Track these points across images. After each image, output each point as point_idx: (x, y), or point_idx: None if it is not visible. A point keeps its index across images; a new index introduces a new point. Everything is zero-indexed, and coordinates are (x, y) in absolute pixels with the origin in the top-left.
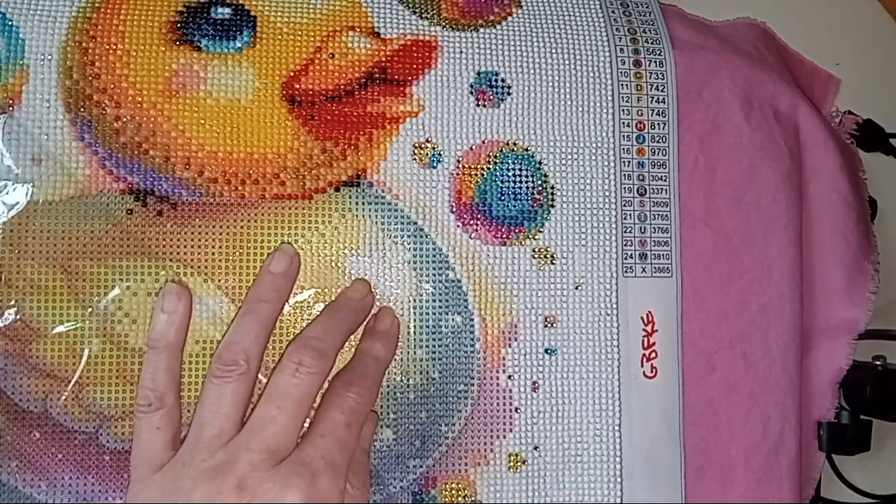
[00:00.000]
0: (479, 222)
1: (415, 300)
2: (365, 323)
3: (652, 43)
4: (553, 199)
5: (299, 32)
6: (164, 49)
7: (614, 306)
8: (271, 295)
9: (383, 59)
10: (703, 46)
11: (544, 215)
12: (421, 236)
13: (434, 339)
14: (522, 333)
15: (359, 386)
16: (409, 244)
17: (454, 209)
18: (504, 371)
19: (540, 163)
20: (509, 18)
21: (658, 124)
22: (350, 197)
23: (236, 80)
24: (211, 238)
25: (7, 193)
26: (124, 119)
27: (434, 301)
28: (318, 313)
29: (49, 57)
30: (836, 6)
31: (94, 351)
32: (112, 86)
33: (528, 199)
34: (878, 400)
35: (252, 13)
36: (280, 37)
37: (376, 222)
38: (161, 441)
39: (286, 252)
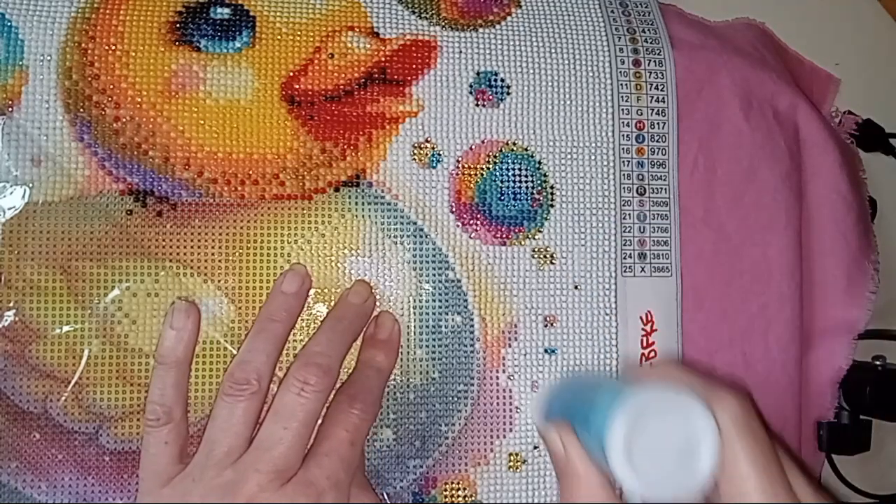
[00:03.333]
0: (478, 222)
1: (415, 300)
2: (365, 328)
3: (651, 43)
4: (552, 199)
5: (299, 33)
6: (163, 49)
7: (613, 306)
8: (282, 314)
9: (383, 59)
10: (702, 46)
11: (544, 215)
12: (421, 236)
13: (434, 339)
14: (522, 333)
15: (362, 402)
16: (409, 244)
17: (454, 209)
18: (504, 371)
19: (539, 163)
20: (508, 18)
21: (657, 124)
22: (350, 197)
23: (236, 80)
24: (211, 238)
25: (6, 195)
26: (124, 120)
27: (434, 301)
28: (317, 313)
29: (48, 58)
30: (836, 6)
31: (94, 352)
32: (111, 86)
33: (527, 199)
34: (878, 400)
35: (251, 13)
36: (279, 37)
37: (376, 222)
38: (169, 455)
39: (298, 272)
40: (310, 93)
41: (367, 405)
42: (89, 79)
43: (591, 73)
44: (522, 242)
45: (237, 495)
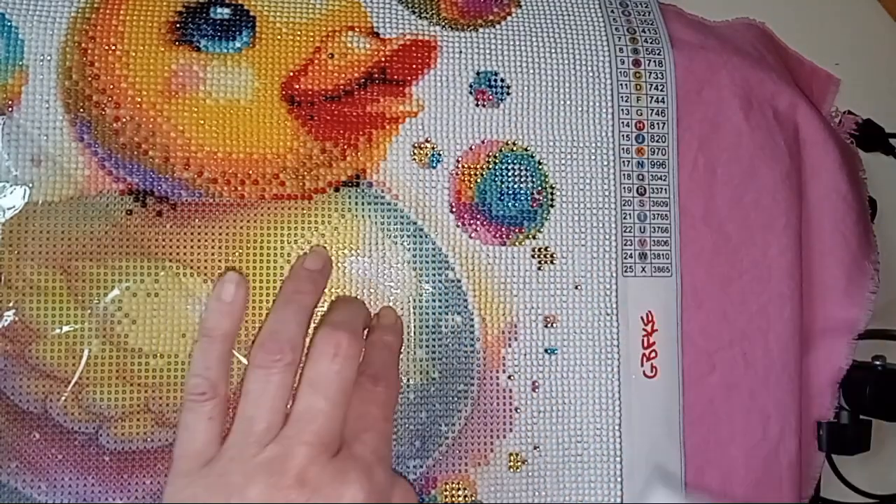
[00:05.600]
0: (478, 222)
1: (415, 300)
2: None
3: (651, 43)
4: (552, 199)
5: (298, 32)
6: (163, 49)
7: (614, 306)
8: (309, 287)
9: (383, 59)
10: (702, 46)
11: (544, 215)
12: (420, 236)
13: (434, 339)
14: (522, 333)
15: (385, 379)
16: (408, 244)
17: (454, 209)
18: (504, 371)
19: (539, 162)
20: (508, 18)
21: (657, 124)
22: (350, 197)
23: (236, 80)
24: (211, 238)
25: (6, 195)
26: (124, 119)
27: (434, 301)
28: (317, 313)
29: (48, 57)
30: (836, 6)
31: (94, 352)
32: (111, 86)
33: (527, 199)
34: (878, 400)
35: (251, 13)
36: (279, 37)
37: (376, 222)
38: (211, 433)
39: (320, 252)
40: (310, 93)
41: (391, 382)
42: (89, 79)
43: (591, 73)
44: (522, 242)
45: (285, 470)
